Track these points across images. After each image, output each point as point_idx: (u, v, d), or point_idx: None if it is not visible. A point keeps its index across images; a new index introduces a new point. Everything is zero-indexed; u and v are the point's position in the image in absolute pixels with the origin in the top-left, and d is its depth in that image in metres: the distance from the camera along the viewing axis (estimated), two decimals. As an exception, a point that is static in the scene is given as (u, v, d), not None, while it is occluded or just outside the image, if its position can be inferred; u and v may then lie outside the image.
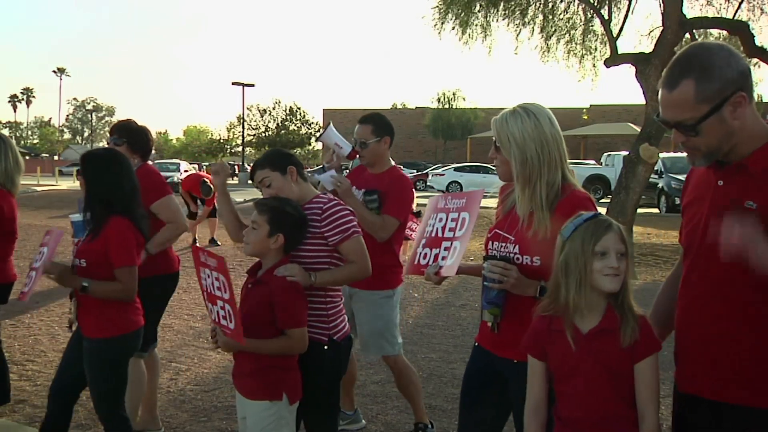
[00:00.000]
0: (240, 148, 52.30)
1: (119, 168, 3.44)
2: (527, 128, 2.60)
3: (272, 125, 53.88)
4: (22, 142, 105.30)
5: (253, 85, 45.45)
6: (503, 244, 2.65)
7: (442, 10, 16.91)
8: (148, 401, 4.40)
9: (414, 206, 4.59)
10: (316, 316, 3.02)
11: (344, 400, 4.51)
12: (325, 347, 3.05)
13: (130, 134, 4.38)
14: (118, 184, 3.38)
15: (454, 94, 56.31)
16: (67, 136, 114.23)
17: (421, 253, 2.89)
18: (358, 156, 4.25)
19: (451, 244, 2.78)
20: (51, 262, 3.35)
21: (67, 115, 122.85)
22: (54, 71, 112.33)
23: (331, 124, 4.37)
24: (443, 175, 33.27)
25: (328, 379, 3.11)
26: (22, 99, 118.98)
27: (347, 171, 5.06)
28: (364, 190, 4.19)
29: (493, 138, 2.70)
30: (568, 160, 2.71)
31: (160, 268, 4.15)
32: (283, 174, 3.12)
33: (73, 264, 3.41)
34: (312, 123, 54.67)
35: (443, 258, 2.76)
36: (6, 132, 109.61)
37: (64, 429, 3.54)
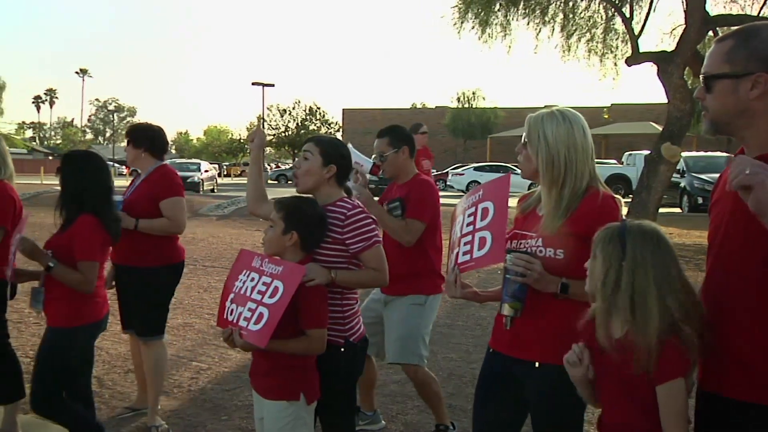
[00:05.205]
0: (260, 148, 52.70)
1: (94, 169, 3.58)
2: (560, 131, 2.58)
3: (292, 125, 54.15)
4: (46, 142, 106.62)
5: (273, 85, 45.54)
6: (522, 242, 2.63)
7: (461, 10, 16.92)
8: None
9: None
10: (333, 318, 3.01)
11: (364, 400, 4.51)
12: (342, 349, 3.04)
13: (137, 134, 4.50)
14: (91, 184, 3.52)
15: (473, 93, 56.05)
16: (89, 136, 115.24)
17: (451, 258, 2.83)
18: (380, 171, 4.26)
19: (472, 237, 2.68)
20: (21, 238, 3.52)
21: (90, 116, 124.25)
22: (77, 72, 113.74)
23: (350, 144, 4.35)
24: (463, 174, 33.21)
25: (344, 380, 3.10)
26: (46, 100, 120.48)
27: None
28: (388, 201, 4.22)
29: (523, 134, 2.68)
30: None
31: (164, 258, 4.41)
32: (324, 165, 3.13)
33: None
34: (332, 123, 54.79)
35: (464, 254, 2.70)
36: (30, 132, 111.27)
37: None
